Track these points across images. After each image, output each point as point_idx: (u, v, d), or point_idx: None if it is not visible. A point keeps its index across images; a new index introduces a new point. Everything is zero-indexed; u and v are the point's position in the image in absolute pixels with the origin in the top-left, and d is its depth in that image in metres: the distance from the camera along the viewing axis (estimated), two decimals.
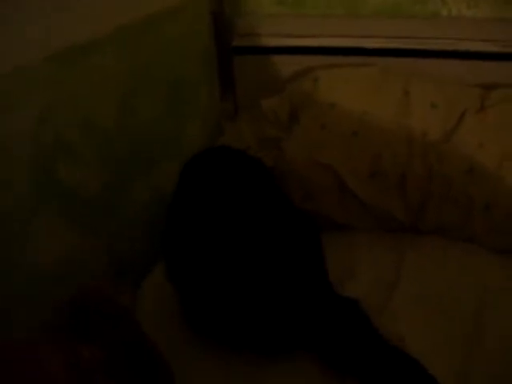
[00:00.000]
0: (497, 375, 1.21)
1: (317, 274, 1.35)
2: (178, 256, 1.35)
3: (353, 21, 1.94)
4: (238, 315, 1.24)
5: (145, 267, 1.56)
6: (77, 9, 1.31)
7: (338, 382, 1.20)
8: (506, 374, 1.22)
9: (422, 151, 1.58)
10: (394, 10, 1.89)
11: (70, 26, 1.30)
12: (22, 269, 1.25)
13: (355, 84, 1.73)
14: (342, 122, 1.62)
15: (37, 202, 1.28)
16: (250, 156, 1.52)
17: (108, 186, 1.50)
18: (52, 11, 1.24)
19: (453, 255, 1.54)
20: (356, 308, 1.30)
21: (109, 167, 1.50)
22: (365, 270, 1.49)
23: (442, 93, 1.70)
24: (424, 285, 1.44)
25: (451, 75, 1.79)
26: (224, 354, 1.27)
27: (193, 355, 1.28)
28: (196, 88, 1.87)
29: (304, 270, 1.31)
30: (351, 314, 1.29)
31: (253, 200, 1.37)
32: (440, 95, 1.68)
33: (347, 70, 1.80)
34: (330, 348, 1.25)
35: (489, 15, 1.82)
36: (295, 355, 1.26)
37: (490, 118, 1.64)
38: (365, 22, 1.92)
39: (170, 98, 1.72)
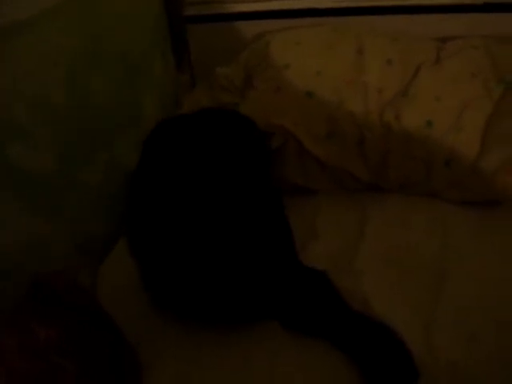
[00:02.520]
0: (461, 324, 1.23)
1: (282, 244, 1.34)
2: (140, 225, 1.34)
3: None
4: (201, 286, 1.22)
5: (106, 246, 1.53)
6: None
7: (302, 350, 1.22)
8: (470, 323, 1.24)
9: (379, 109, 1.56)
10: None
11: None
12: None
13: (308, 45, 1.70)
14: (296, 84, 1.59)
15: None
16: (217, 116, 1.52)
17: (64, 165, 1.45)
18: None
19: (416, 211, 1.53)
20: (322, 279, 1.30)
21: (63, 145, 1.44)
22: (328, 231, 1.49)
23: (396, 48, 1.68)
24: (388, 243, 1.45)
25: (405, 31, 1.78)
26: (185, 327, 1.27)
27: (155, 329, 1.28)
28: (149, 60, 1.81)
29: (269, 242, 1.30)
30: (317, 284, 1.30)
31: (215, 168, 1.35)
32: (394, 51, 1.67)
33: (299, 31, 1.77)
34: (294, 318, 1.26)
35: None
36: (258, 325, 1.26)
37: (446, 70, 1.63)
38: None
39: (123, 71, 1.66)
